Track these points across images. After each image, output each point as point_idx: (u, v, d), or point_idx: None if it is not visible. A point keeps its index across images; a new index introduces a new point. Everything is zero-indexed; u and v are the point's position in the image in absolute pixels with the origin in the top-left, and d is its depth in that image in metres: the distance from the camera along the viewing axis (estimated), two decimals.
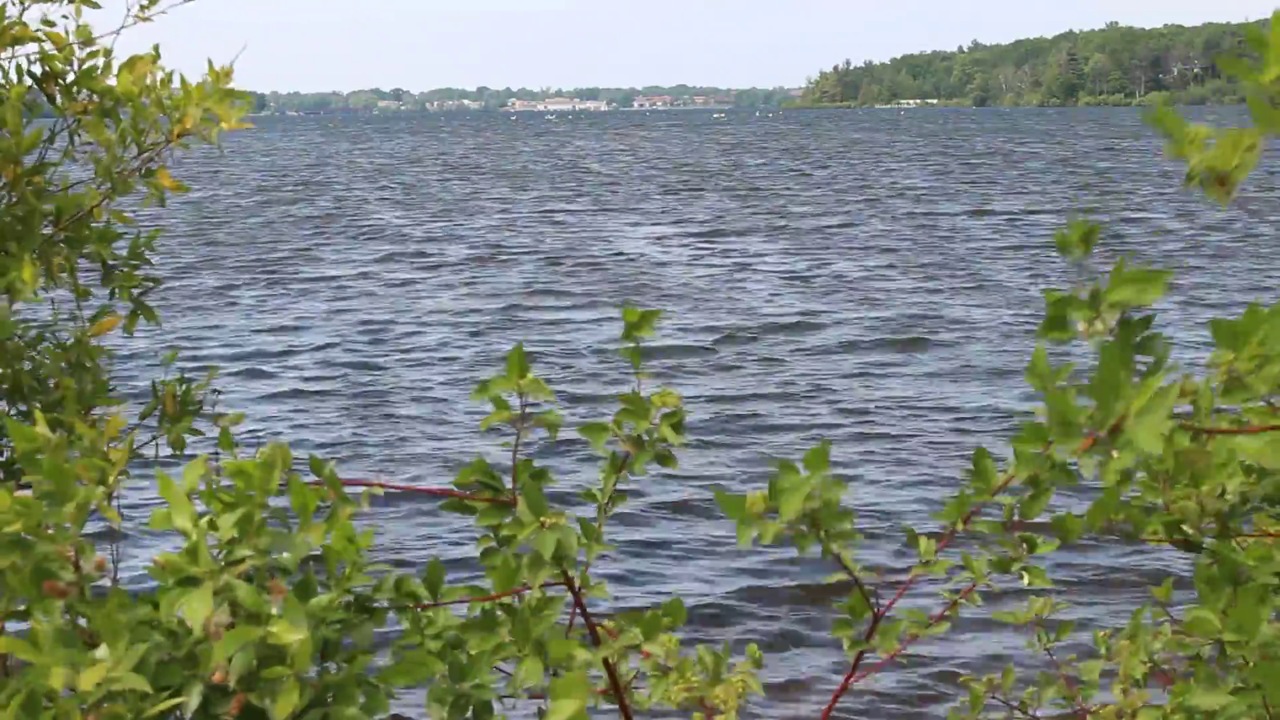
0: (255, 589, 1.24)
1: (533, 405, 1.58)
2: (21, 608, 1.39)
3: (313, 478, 1.47)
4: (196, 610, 1.21)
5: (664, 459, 1.72)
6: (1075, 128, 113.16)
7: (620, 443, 1.67)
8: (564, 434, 1.63)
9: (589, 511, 1.79)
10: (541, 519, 1.44)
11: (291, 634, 1.22)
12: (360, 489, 1.54)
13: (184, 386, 2.88)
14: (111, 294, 3.01)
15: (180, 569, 1.23)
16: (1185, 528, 1.99)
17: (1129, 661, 2.44)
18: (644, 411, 1.62)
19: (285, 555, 1.28)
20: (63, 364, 2.86)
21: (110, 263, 2.99)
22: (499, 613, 1.47)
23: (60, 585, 1.26)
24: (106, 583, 1.40)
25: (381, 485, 1.61)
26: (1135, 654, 2.33)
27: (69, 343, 2.88)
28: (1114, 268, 1.39)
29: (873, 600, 1.78)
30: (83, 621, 1.29)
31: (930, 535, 1.86)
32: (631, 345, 1.69)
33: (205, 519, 1.27)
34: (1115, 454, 1.24)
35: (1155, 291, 1.35)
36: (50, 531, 1.25)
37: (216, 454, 1.61)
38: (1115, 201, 36.81)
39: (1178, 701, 1.99)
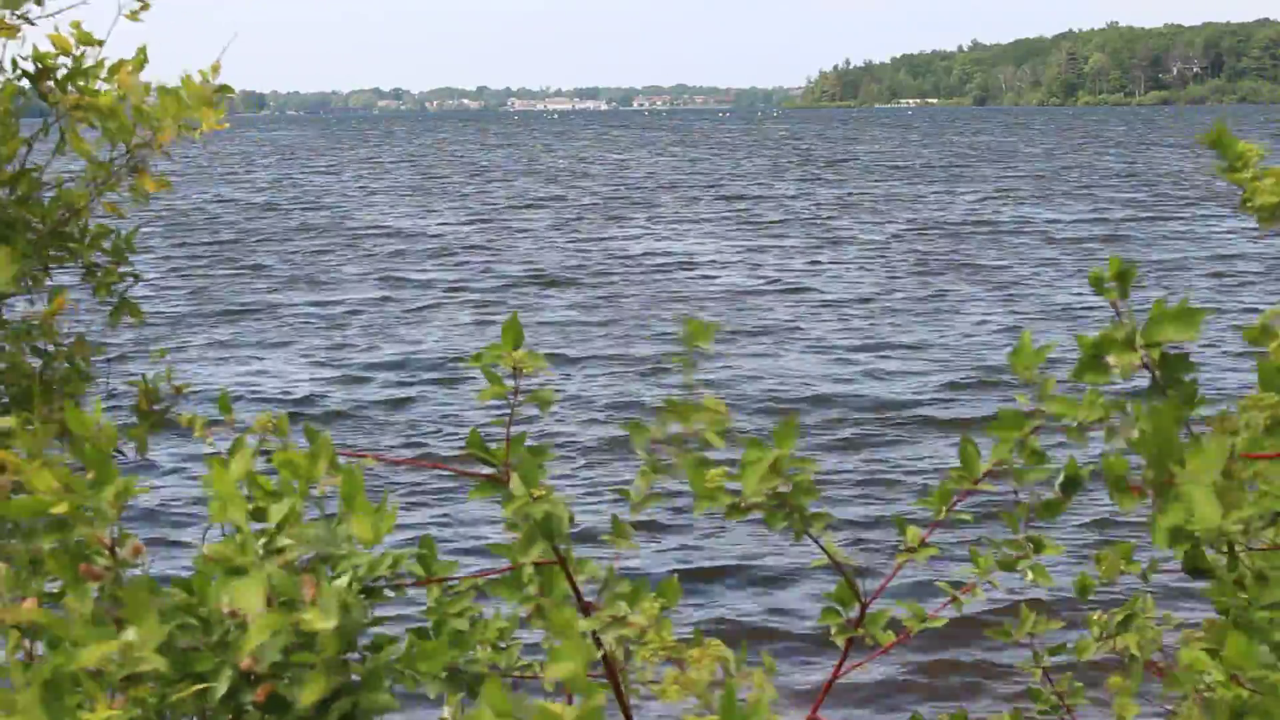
0: (292, 578, 1.27)
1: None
2: (53, 590, 1.44)
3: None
4: (251, 600, 1.24)
5: (703, 465, 1.73)
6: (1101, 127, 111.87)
7: (662, 446, 1.67)
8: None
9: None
10: (532, 491, 1.46)
11: (322, 622, 1.26)
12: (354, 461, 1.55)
13: (155, 383, 2.86)
14: (95, 292, 3.01)
15: (229, 559, 1.27)
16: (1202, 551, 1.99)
17: (1121, 700, 2.44)
18: (687, 415, 1.63)
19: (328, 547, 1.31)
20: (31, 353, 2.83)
21: (93, 263, 2.98)
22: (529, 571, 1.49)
23: (96, 569, 1.31)
24: (135, 572, 1.45)
25: (374, 456, 1.62)
26: (1127, 696, 2.33)
27: (24, 327, 2.84)
28: (1153, 305, 1.38)
29: (861, 590, 1.79)
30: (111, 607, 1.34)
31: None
32: (686, 352, 1.69)
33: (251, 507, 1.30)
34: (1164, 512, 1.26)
35: (1194, 329, 1.36)
36: (89, 515, 1.30)
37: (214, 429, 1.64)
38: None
39: None
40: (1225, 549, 1.84)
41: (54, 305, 2.90)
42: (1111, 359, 1.40)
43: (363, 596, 1.45)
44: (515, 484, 1.47)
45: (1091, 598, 2.37)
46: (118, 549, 1.33)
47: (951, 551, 2.96)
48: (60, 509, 1.30)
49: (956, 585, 2.01)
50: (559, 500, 1.47)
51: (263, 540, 1.31)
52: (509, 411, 1.56)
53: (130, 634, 1.28)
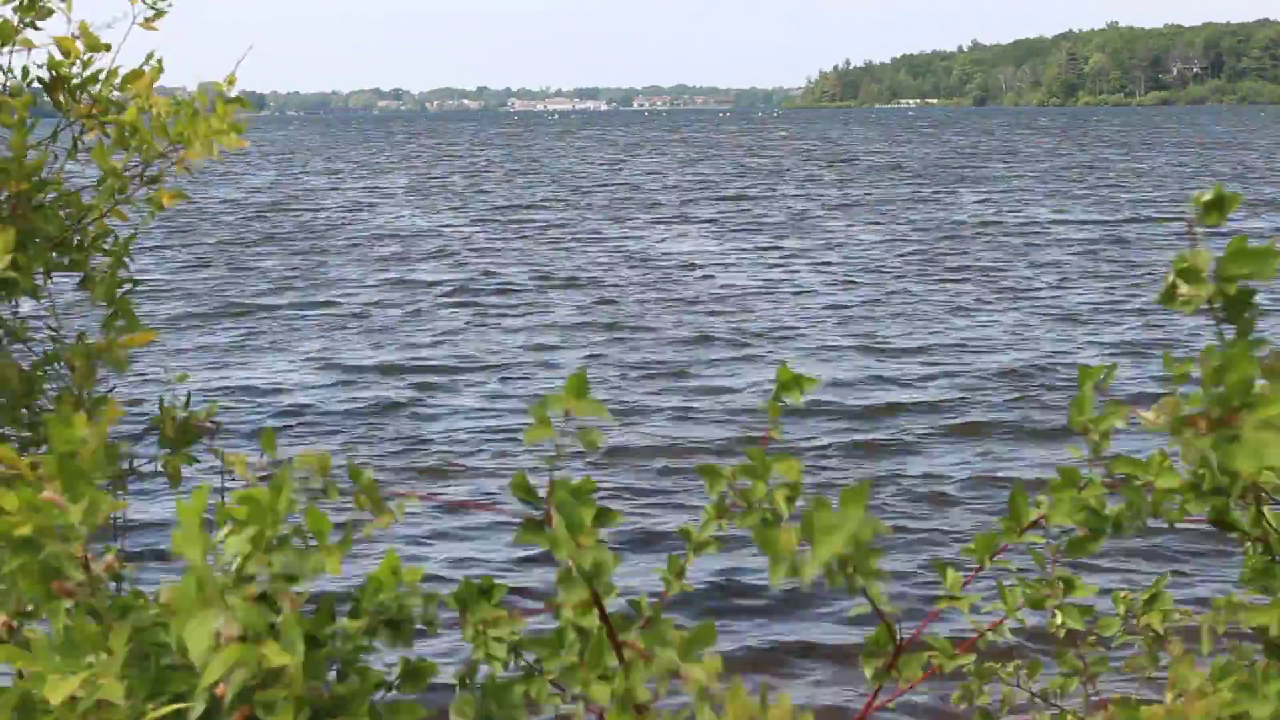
0: (257, 609, 1.21)
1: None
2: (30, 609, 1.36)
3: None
4: (199, 639, 1.18)
5: (768, 523, 1.69)
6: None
7: (730, 495, 1.64)
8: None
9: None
10: (578, 538, 1.40)
11: (283, 657, 1.19)
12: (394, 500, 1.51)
13: (186, 412, 2.79)
14: (91, 297, 2.96)
15: (185, 604, 1.20)
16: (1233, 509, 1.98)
17: (1179, 669, 2.39)
18: (763, 472, 1.59)
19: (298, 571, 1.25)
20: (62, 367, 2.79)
21: (91, 269, 2.93)
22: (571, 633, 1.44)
23: (69, 585, 1.24)
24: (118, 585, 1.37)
25: (417, 495, 1.58)
26: (1187, 663, 2.29)
27: (85, 345, 2.80)
28: (1230, 242, 1.38)
29: (898, 629, 1.76)
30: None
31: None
32: (777, 402, 1.66)
33: (214, 539, 1.24)
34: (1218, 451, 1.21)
35: (1271, 269, 1.36)
36: (61, 533, 1.23)
37: (228, 475, 1.58)
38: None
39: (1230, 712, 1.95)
40: (1253, 503, 1.81)
41: (134, 339, 2.82)
42: (1183, 288, 1.39)
43: (391, 630, 1.43)
44: (559, 529, 1.39)
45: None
46: (92, 564, 1.24)
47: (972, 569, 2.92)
48: (24, 531, 1.22)
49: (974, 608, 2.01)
50: (604, 547, 1.41)
51: (233, 567, 1.24)
52: (554, 453, 1.50)
53: (92, 659, 1.22)
